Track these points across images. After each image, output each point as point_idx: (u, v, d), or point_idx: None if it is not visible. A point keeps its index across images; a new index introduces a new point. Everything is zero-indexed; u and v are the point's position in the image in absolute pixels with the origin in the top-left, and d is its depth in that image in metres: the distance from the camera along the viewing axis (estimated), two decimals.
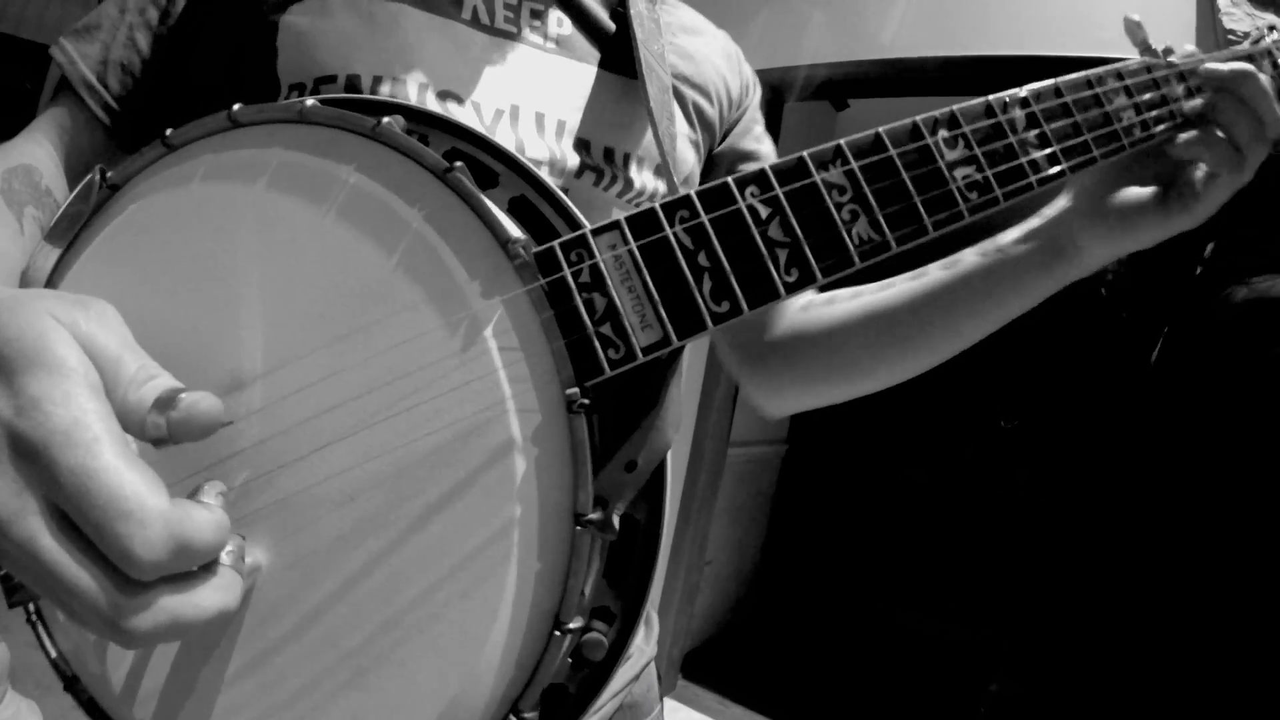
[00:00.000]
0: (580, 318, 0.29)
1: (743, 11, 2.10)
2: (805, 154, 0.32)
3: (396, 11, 0.41)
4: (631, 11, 0.47)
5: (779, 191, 0.31)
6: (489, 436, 0.28)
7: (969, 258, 0.46)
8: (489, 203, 0.30)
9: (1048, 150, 0.36)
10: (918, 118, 0.34)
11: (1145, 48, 0.42)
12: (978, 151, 0.34)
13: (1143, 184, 0.42)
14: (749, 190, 0.31)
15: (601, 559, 0.31)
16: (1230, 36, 1.37)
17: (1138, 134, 0.38)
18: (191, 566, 0.24)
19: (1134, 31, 0.42)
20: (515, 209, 0.33)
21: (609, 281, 0.29)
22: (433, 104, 0.40)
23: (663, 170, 0.47)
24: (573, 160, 0.43)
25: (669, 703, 2.18)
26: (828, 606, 3.11)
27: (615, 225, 0.30)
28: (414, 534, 0.28)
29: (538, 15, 0.46)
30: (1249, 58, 0.42)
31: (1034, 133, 0.36)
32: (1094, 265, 0.44)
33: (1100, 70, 0.38)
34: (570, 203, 0.33)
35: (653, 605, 0.43)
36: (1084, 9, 1.64)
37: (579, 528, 0.28)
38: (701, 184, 0.54)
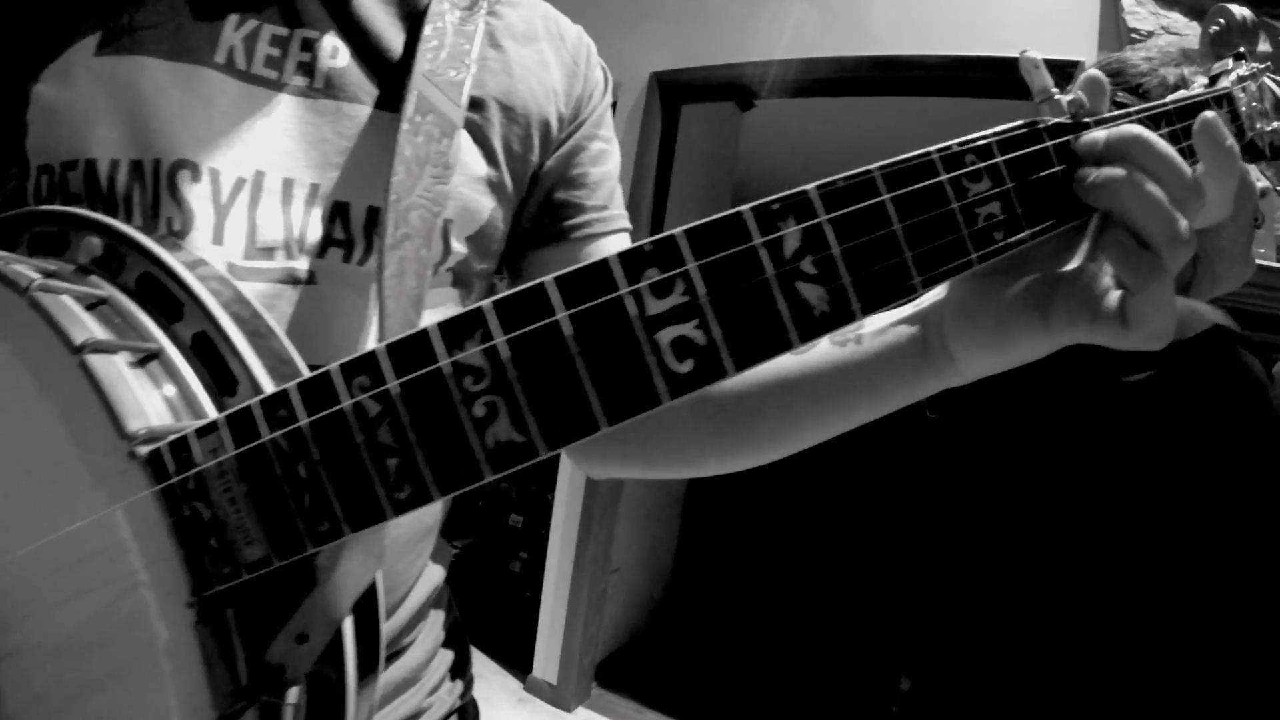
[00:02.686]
0: (187, 529, 0.26)
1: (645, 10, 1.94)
2: (434, 326, 0.24)
3: (138, 67, 0.37)
4: (426, 30, 0.38)
5: (390, 385, 0.24)
6: (129, 638, 0.28)
7: (823, 345, 0.34)
8: (115, 391, 0.28)
9: (830, 286, 0.23)
10: (616, 254, 0.24)
11: (1045, 96, 0.25)
12: (701, 299, 0.23)
13: (1028, 275, 0.27)
14: (357, 382, 0.25)
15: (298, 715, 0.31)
16: (1134, 35, 1.25)
17: (998, 239, 0.23)
18: None
19: (1031, 73, 0.25)
20: (198, 347, 0.31)
21: (211, 491, 0.26)
22: (164, 183, 0.36)
23: (454, 227, 0.40)
24: (315, 235, 0.38)
25: (584, 712, 2.16)
26: (743, 607, 2.99)
27: (214, 427, 0.26)
28: None
29: (309, 47, 0.39)
30: (1203, 104, 0.24)
31: (811, 259, 0.23)
32: (975, 376, 0.30)
33: (960, 143, 0.23)
34: (242, 344, 0.30)
35: (476, 664, 0.42)
36: (984, 8, 1.55)
37: None
38: (515, 227, 0.45)
